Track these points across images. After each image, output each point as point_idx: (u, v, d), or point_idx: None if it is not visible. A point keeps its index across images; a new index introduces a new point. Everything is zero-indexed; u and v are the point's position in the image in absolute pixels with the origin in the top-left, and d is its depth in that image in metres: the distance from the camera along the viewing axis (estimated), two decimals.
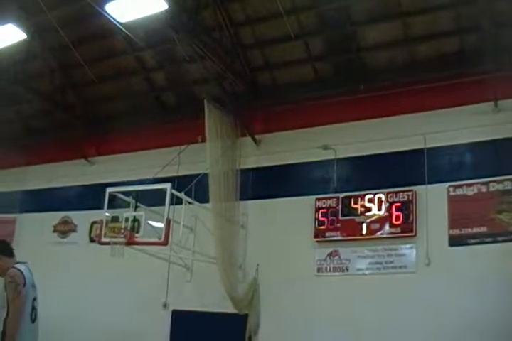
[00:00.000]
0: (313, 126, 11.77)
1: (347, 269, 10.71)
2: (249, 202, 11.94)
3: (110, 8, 10.71)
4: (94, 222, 14.00)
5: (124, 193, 10.97)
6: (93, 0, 11.28)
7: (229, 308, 10.98)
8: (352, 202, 10.82)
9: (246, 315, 11.16)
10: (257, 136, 12.40)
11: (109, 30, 12.44)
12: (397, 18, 10.72)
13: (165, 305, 12.42)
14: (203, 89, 12.73)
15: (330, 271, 10.87)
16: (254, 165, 12.22)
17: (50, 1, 12.66)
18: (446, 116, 10.52)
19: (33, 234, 15.70)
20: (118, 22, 11.07)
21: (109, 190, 11.10)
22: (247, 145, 12.37)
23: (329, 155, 11.46)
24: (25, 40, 13.01)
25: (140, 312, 12.50)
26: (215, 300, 11.16)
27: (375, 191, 10.68)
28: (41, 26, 13.52)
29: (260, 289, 11.42)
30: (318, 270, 10.97)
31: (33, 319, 6.17)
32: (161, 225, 10.40)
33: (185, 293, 12.10)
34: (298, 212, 11.44)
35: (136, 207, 10.71)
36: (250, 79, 12.37)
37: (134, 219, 10.54)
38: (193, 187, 10.95)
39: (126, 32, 11.73)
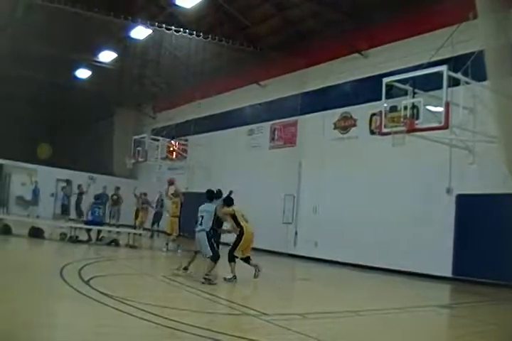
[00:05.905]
0: None
1: None
2: None
3: None
4: (373, 114, 14.51)
5: (400, 81, 11.05)
6: None
7: None
8: None
9: None
10: None
11: None
12: None
13: (448, 191, 12.56)
14: None
15: None
16: None
17: None
18: None
19: (315, 133, 17.06)
20: None
21: (385, 80, 11.27)
22: None
23: None
24: None
25: (425, 198, 12.92)
26: (498, 181, 10.89)
27: None
28: None
29: None
30: None
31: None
32: (440, 109, 10.34)
33: (468, 176, 12.00)
34: None
35: (414, 93, 10.76)
36: None
37: (413, 106, 10.61)
38: (470, 66, 10.52)
39: None
